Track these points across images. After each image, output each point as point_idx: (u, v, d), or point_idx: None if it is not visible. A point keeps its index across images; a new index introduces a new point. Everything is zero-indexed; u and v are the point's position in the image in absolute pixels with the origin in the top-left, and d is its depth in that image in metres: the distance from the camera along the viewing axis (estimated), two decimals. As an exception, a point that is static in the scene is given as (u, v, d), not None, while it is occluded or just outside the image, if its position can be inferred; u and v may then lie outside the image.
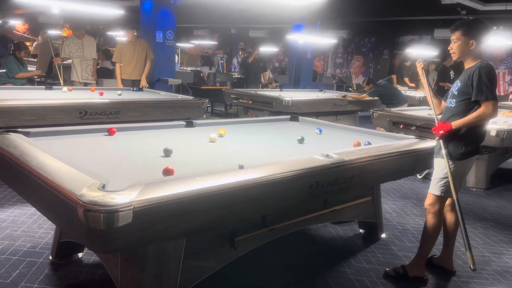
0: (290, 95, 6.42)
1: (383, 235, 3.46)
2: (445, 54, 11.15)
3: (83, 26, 7.01)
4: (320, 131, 3.54)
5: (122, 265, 2.00)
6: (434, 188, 2.73)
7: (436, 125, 2.72)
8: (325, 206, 2.76)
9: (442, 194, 2.69)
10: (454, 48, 2.67)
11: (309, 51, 11.35)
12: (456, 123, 2.62)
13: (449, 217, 2.89)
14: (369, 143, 2.99)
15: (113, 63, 8.49)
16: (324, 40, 10.80)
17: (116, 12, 7.04)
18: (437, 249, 3.11)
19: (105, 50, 9.87)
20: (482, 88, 2.52)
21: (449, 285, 2.82)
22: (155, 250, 1.95)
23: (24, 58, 6.55)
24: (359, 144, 2.98)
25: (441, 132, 2.66)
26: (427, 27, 11.07)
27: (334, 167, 2.39)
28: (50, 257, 2.73)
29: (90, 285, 2.49)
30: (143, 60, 6.78)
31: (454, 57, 2.71)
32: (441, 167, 2.68)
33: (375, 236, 3.43)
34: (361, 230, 3.53)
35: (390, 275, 2.82)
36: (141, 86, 6.50)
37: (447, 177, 2.64)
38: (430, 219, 2.76)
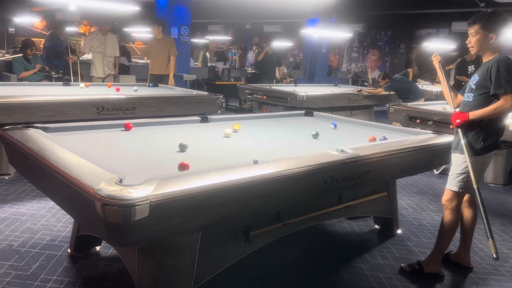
0: (305, 90, 6.39)
1: (399, 231, 3.44)
2: (463, 48, 10.96)
3: (109, 22, 7.08)
4: (335, 126, 3.52)
5: (139, 258, 2.03)
6: (451, 184, 2.69)
7: (453, 114, 2.69)
8: (339, 202, 2.76)
9: (460, 190, 2.66)
10: (472, 42, 2.63)
11: (324, 45, 11.27)
12: (474, 114, 2.58)
13: (467, 213, 2.86)
14: (384, 138, 2.97)
15: (130, 59, 8.59)
16: (339, 34, 10.71)
17: (131, 8, 7.10)
18: (454, 245, 3.07)
19: (121, 46, 9.95)
20: (501, 81, 2.47)
21: (466, 281, 2.79)
22: (171, 243, 1.97)
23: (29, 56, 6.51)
24: (374, 139, 2.96)
25: (458, 121, 2.62)
26: (444, 20, 10.88)
27: (349, 163, 2.38)
28: (69, 250, 2.79)
29: (108, 278, 2.53)
30: (166, 57, 6.85)
31: (473, 51, 2.66)
32: (458, 162, 2.65)
33: (390, 231, 3.41)
34: (376, 226, 3.51)
35: (405, 271, 2.80)
36: (170, 84, 6.58)
37: (465, 173, 2.61)
38: (447, 215, 2.73)
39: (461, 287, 2.73)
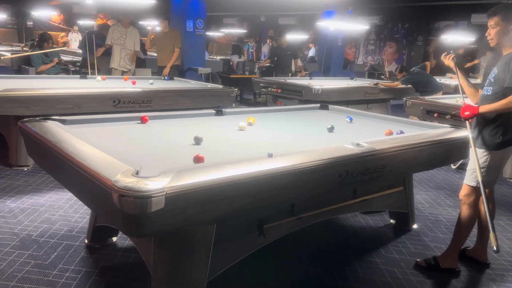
0: (320, 83, 6.34)
1: (415, 226, 3.40)
2: (483, 40, 10.73)
3: (128, 16, 7.11)
4: (351, 119, 3.49)
5: (155, 249, 2.06)
6: (469, 179, 2.65)
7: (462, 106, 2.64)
8: (354, 196, 2.74)
9: (478, 185, 2.62)
10: (492, 34, 2.57)
11: (340, 38, 11.15)
12: (484, 107, 2.52)
13: (484, 208, 2.81)
14: (401, 132, 2.93)
15: (145, 53, 8.69)
16: (356, 26, 10.58)
17: (147, 1, 7.13)
18: (470, 241, 3.03)
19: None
20: None
21: (483, 277, 2.75)
22: (186, 235, 1.99)
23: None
24: (391, 133, 2.93)
25: (467, 113, 2.57)
26: (463, 12, 10.66)
27: (365, 157, 2.36)
28: (86, 241, 2.84)
29: (124, 268, 2.57)
30: (172, 49, 6.99)
31: (492, 43, 2.60)
32: (477, 157, 2.60)
33: (406, 226, 3.38)
34: (392, 221, 3.48)
35: (421, 266, 2.77)
36: (163, 74, 6.66)
37: (483, 167, 2.57)
38: (465, 211, 2.69)
39: (478, 283, 2.70)
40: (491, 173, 2.60)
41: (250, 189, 1.88)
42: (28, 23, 15.44)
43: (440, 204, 3.95)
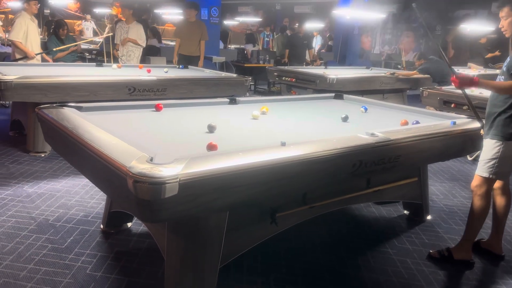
0: (335, 73, 6.29)
1: (429, 217, 3.38)
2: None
3: (129, 7, 7.04)
4: (366, 109, 3.46)
5: (169, 235, 2.09)
6: (481, 170, 2.62)
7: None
8: (368, 186, 2.73)
9: (490, 176, 2.58)
10: (505, 25, 2.53)
11: (356, 26, 11.01)
12: (483, 81, 2.50)
13: (499, 200, 2.78)
14: (417, 122, 2.90)
15: (160, 41, 8.71)
16: (373, 15, 10.41)
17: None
18: (485, 233, 3.00)
19: (152, 28, 10.04)
20: None
21: (498, 269, 2.73)
22: (199, 222, 2.01)
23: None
24: (406, 123, 2.90)
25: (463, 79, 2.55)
26: (484, 1, 10.41)
27: (379, 146, 2.34)
28: (101, 226, 2.89)
29: (139, 253, 2.61)
30: (197, 40, 6.97)
31: (507, 34, 2.55)
32: (489, 147, 2.56)
33: (420, 217, 3.35)
34: (405, 212, 3.46)
35: (434, 257, 2.76)
36: (199, 66, 6.66)
37: (496, 158, 2.53)
38: (477, 202, 2.66)
39: (492, 275, 2.67)
40: (504, 164, 2.55)
41: (263, 177, 1.89)
42: (45, 11, 15.57)
43: (455, 196, 3.91)
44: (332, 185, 2.50)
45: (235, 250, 2.20)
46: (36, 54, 5.61)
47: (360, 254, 2.78)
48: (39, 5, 5.65)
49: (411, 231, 3.16)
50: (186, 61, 6.84)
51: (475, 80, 2.51)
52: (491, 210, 2.81)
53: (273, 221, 2.28)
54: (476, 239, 2.95)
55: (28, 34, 5.52)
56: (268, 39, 13.75)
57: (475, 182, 2.67)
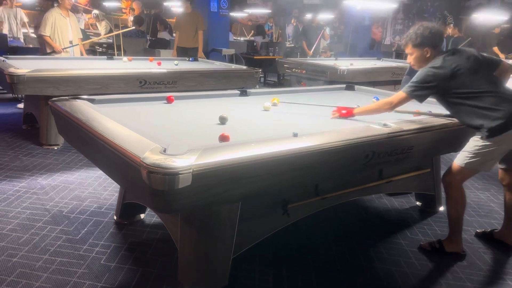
0: (346, 64, 6.24)
1: (441, 208, 3.36)
2: (517, 19, 10.28)
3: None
4: (377, 100, 3.43)
5: (182, 226, 2.10)
6: (459, 159, 2.56)
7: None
8: (380, 177, 2.71)
9: (464, 165, 2.52)
10: (412, 61, 2.67)
11: (366, 17, 10.89)
12: (359, 110, 2.75)
13: (510, 192, 2.75)
14: (430, 112, 2.87)
15: (171, 34, 8.74)
16: (383, 4, 10.30)
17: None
18: (498, 224, 2.98)
19: (162, 20, 10.04)
20: (413, 80, 2.58)
21: (510, 260, 2.70)
22: (212, 212, 2.02)
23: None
24: (419, 114, 2.87)
25: (343, 112, 2.75)
26: (497, -11, 10.21)
27: (392, 137, 2.33)
28: (115, 217, 2.92)
29: (152, 244, 2.64)
30: (193, 31, 7.09)
31: (415, 68, 2.67)
32: (473, 141, 2.50)
33: (432, 209, 3.33)
34: (418, 203, 3.44)
35: (425, 249, 2.73)
36: (198, 58, 6.67)
37: (475, 152, 2.48)
38: (453, 193, 2.62)
39: (505, 265, 2.65)
40: (482, 160, 2.49)
41: (275, 168, 1.89)
42: (55, 5, 15.65)
43: (467, 187, 3.87)
44: (344, 176, 2.50)
45: (247, 241, 2.21)
46: (63, 49, 5.71)
47: (373, 246, 2.78)
48: (73, 0, 5.73)
49: (424, 222, 3.14)
50: (184, 53, 6.95)
51: (351, 112, 2.72)
52: (502, 201, 2.78)
53: (285, 212, 2.28)
54: (489, 230, 2.94)
55: (56, 28, 5.60)
56: (271, 31, 13.64)
57: (449, 171, 2.63)
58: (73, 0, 5.75)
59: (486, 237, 2.90)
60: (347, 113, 2.74)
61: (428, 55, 2.57)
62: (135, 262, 2.45)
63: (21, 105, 5.89)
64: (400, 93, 2.56)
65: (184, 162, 1.63)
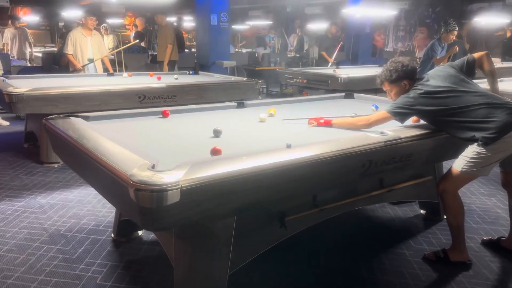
0: (347, 72, 6.21)
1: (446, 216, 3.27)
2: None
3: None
4: (377, 107, 3.38)
5: (176, 242, 2.06)
6: (457, 164, 2.50)
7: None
8: (381, 186, 2.65)
9: (462, 170, 2.47)
10: (393, 97, 2.67)
11: (367, 24, 10.87)
12: (336, 122, 2.74)
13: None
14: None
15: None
16: (383, 11, 10.26)
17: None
18: (505, 231, 2.90)
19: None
20: (397, 102, 2.58)
21: (519, 269, 2.62)
22: (206, 228, 1.98)
23: None
24: (418, 120, 2.82)
25: (321, 121, 2.76)
26: (498, -8, 10.17)
27: (389, 145, 2.28)
28: (112, 235, 2.88)
29: (149, 262, 2.59)
30: (165, 44, 7.26)
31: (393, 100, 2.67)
32: (471, 148, 2.45)
33: (437, 217, 3.25)
34: (421, 211, 3.37)
35: (430, 259, 2.65)
36: (164, 70, 6.80)
37: (472, 158, 2.42)
38: (449, 200, 2.56)
39: (514, 275, 2.57)
40: (479, 165, 2.43)
41: (268, 181, 1.84)
42: (59, 24, 15.86)
43: (473, 193, 3.79)
44: (342, 186, 2.44)
45: (244, 256, 2.15)
46: (83, 66, 5.93)
47: (375, 257, 2.71)
48: (96, 21, 6.06)
49: (428, 231, 3.07)
50: (160, 67, 7.12)
51: (329, 122, 2.72)
52: (507, 208, 2.71)
53: (283, 225, 2.23)
54: (496, 238, 2.86)
55: (77, 47, 5.87)
56: (274, 42, 13.68)
57: (445, 177, 2.60)
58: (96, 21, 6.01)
59: (493, 245, 2.81)
60: (325, 123, 2.73)
61: (407, 87, 2.59)
62: (132, 280, 2.40)
63: (5, 123, 6.14)
64: (382, 112, 2.53)
65: (172, 178, 1.60)
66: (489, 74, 2.67)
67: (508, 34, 9.26)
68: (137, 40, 7.72)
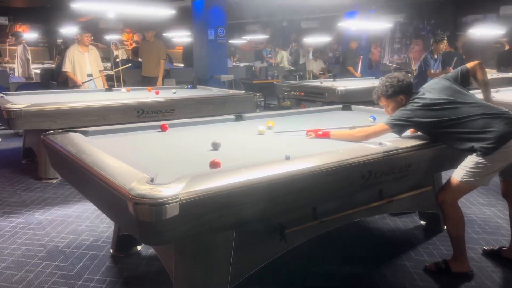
0: (344, 84, 6.24)
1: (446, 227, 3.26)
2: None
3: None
4: (374, 119, 3.40)
5: (175, 257, 2.04)
6: (457, 173, 2.50)
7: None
8: (380, 197, 2.64)
9: (462, 179, 2.46)
10: (390, 111, 2.67)
11: (363, 38, 10.97)
12: (335, 134, 2.76)
13: None
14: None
15: (171, 63, 8.85)
16: (378, 25, 10.39)
17: (168, 12, 7.22)
18: (506, 241, 2.88)
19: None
20: (395, 115, 2.60)
21: (521, 279, 2.60)
22: (206, 242, 1.96)
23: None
24: (416, 131, 2.82)
25: (320, 133, 2.79)
26: (491, 5, 10.31)
27: (388, 156, 2.28)
28: (111, 250, 2.86)
29: (148, 277, 2.57)
30: (156, 60, 7.29)
31: (389, 114, 2.68)
32: (470, 157, 2.45)
33: (437, 227, 3.24)
34: (422, 222, 3.36)
35: (431, 271, 2.63)
36: (157, 85, 6.84)
37: (472, 168, 2.41)
38: (449, 210, 2.56)
39: (516, 285, 2.55)
40: (479, 175, 2.43)
41: (267, 193, 1.84)
42: (58, 40, 15.97)
43: (472, 203, 3.78)
44: (342, 198, 2.43)
45: (244, 269, 2.13)
46: (83, 83, 5.98)
47: (376, 269, 2.68)
48: (92, 37, 6.12)
49: (429, 242, 3.05)
50: (148, 83, 7.05)
51: (327, 134, 2.74)
52: (508, 217, 2.70)
53: (283, 238, 2.21)
54: (497, 248, 2.84)
55: (75, 64, 5.93)
56: (271, 55, 13.79)
57: (444, 188, 2.59)
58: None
59: (494, 255, 2.80)
60: (323, 134, 2.74)
61: (404, 102, 2.61)
62: (131, 296, 2.37)
63: None
64: (380, 124, 2.55)
65: (171, 191, 1.59)
66: (482, 83, 2.69)
67: (507, 47, 9.34)
68: (129, 64, 7.72)
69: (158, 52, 7.27)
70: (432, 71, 5.89)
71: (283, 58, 12.04)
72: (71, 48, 6.04)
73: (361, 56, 8.93)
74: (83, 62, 6.02)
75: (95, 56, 6.21)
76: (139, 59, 8.13)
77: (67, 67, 5.90)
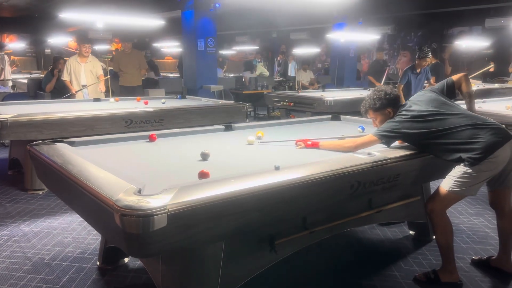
0: (333, 95, 6.29)
1: (435, 236, 3.27)
2: (498, 44, 10.52)
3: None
4: (363, 129, 3.42)
5: (163, 269, 2.01)
6: (445, 183, 2.52)
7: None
8: (370, 207, 2.64)
9: (450, 189, 2.48)
10: (378, 124, 2.70)
11: (351, 49, 11.10)
12: (324, 144, 2.77)
13: (502, 219, 2.69)
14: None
15: (158, 74, 8.81)
16: (366, 36, 10.53)
17: (157, 22, 7.23)
18: (494, 250, 2.90)
19: (149, 61, 10.20)
20: (384, 126, 2.62)
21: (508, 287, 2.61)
22: (194, 253, 1.94)
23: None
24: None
25: (309, 143, 2.79)
26: (477, 17, 10.51)
27: (377, 166, 2.28)
28: (98, 263, 2.81)
29: (135, 290, 2.52)
30: (137, 70, 7.49)
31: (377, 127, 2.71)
32: (458, 167, 2.47)
33: (426, 237, 3.25)
34: (411, 232, 3.36)
35: (420, 281, 2.63)
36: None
37: (459, 177, 2.44)
38: (437, 219, 2.57)
39: (505, 294, 2.56)
40: (467, 185, 2.45)
41: (256, 203, 1.83)
42: (46, 50, 15.87)
43: (461, 213, 3.81)
44: (331, 208, 2.43)
45: (233, 281, 2.11)
46: (76, 91, 6.19)
47: (366, 279, 2.67)
48: (90, 48, 6.35)
49: (418, 252, 3.05)
50: (129, 92, 7.11)
51: (316, 144, 2.75)
52: (496, 227, 2.72)
53: (272, 249, 2.19)
54: (486, 257, 2.86)
55: (72, 73, 6.20)
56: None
57: (433, 197, 2.60)
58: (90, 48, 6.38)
59: (483, 265, 2.81)
60: (312, 144, 2.75)
61: (391, 115, 2.65)
62: (118, 309, 2.33)
63: None
64: (369, 136, 2.57)
65: (158, 202, 1.57)
66: (466, 95, 2.74)
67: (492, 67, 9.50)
68: (109, 76, 7.67)
69: (139, 63, 7.45)
70: (402, 86, 5.96)
71: (262, 71, 12.19)
72: (71, 58, 6.29)
73: (387, 68, 9.06)
74: (78, 72, 6.23)
75: (92, 66, 6.34)
76: (114, 70, 8.04)
77: (64, 76, 6.21)
